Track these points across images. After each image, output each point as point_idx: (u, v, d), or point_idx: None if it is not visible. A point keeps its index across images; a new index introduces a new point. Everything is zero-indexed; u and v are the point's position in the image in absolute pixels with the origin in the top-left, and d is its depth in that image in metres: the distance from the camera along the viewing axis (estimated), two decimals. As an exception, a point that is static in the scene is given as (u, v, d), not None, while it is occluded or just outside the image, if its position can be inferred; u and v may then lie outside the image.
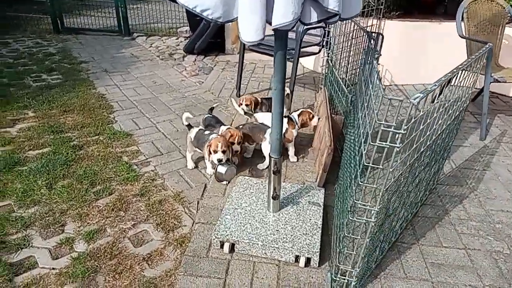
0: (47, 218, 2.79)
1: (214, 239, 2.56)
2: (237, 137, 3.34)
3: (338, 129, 3.72)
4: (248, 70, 6.23)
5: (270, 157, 2.54)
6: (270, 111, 2.42)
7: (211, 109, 3.88)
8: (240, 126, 3.62)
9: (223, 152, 3.05)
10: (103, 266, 2.43)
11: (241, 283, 2.35)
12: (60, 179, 3.23)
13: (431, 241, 2.73)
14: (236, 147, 3.35)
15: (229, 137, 3.30)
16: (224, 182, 3.25)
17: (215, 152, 3.06)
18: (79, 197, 3.02)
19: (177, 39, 8.08)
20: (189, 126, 3.49)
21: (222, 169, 3.05)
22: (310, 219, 2.69)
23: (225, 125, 3.63)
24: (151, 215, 2.90)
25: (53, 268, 2.39)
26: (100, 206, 2.95)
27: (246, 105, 4.08)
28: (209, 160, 3.29)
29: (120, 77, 5.76)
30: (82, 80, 5.54)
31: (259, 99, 4.25)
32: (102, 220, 2.82)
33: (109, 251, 2.54)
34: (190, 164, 3.53)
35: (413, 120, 1.72)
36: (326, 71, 4.60)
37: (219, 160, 3.04)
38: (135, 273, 2.39)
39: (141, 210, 2.94)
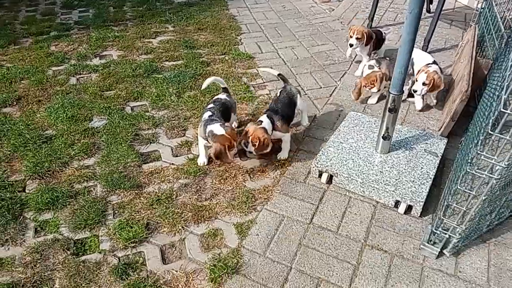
0: (173, 122, 3.16)
1: (313, 167, 2.57)
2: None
3: (481, 75, 3.16)
4: None
5: (389, 92, 2.33)
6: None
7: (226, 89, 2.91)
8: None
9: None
10: (212, 170, 2.69)
11: (333, 213, 2.36)
12: (187, 90, 3.56)
13: None
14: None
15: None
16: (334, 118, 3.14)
17: None
18: (201, 108, 3.30)
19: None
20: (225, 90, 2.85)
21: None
22: (421, 168, 2.46)
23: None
24: (259, 134, 3.03)
25: (172, 164, 2.75)
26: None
27: (357, 38, 3.42)
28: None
29: (252, -1, 5.80)
30: (217, 0, 5.74)
31: (372, 33, 3.54)
32: (217, 131, 3.06)
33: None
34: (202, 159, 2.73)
35: None
36: (483, 6, 3.83)
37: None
38: (237, 182, 2.60)
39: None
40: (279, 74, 3.03)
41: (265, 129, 2.54)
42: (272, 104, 2.77)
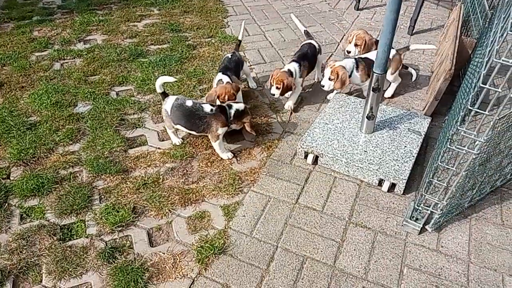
0: (159, 106, 3.12)
1: (299, 149, 2.59)
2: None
3: (465, 55, 3.17)
4: (375, -19, 5.54)
5: (372, 72, 2.34)
6: None
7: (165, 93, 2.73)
8: None
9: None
10: (199, 153, 2.69)
11: (318, 193, 2.38)
12: (173, 73, 3.52)
13: (550, 196, 2.32)
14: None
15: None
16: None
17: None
18: (187, 92, 3.28)
19: None
20: (164, 95, 2.70)
21: None
22: (405, 146, 2.49)
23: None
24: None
25: (159, 148, 2.74)
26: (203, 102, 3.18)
27: (277, 87, 2.88)
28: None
29: (239, -19, 5.69)
30: (203, -18, 5.63)
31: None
32: (203, 115, 3.05)
33: (206, 142, 2.77)
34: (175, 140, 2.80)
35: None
36: (469, -15, 3.82)
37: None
38: (224, 165, 2.60)
39: (237, 111, 3.07)
40: (239, 41, 3.29)
41: (230, 83, 2.86)
42: (226, 64, 3.05)
